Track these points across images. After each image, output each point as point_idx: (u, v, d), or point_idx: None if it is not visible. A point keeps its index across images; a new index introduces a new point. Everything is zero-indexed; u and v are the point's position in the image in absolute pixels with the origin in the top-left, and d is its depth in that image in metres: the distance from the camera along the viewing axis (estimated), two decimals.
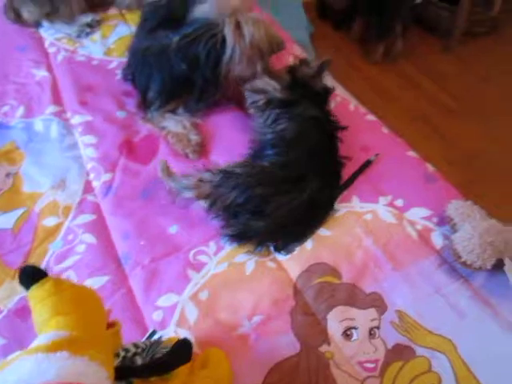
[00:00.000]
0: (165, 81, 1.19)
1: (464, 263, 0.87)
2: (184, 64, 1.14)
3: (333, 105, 1.27)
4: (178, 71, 1.15)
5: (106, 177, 1.11)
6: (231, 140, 1.17)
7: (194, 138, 1.15)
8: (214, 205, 0.95)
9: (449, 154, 2.26)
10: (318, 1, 3.02)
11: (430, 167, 1.13)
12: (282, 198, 0.94)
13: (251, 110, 1.11)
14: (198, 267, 0.94)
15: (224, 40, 1.09)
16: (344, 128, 1.11)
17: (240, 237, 0.95)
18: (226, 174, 0.96)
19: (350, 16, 2.94)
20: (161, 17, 1.33)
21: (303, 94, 1.08)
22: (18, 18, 1.52)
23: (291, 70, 1.15)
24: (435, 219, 1.01)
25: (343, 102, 1.29)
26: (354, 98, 1.36)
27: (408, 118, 2.42)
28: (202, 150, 1.15)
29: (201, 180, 0.96)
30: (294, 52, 1.49)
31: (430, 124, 2.40)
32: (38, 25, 1.54)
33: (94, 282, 0.93)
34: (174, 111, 1.21)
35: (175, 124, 1.17)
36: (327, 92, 1.16)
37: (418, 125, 2.40)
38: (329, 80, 1.39)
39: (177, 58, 1.14)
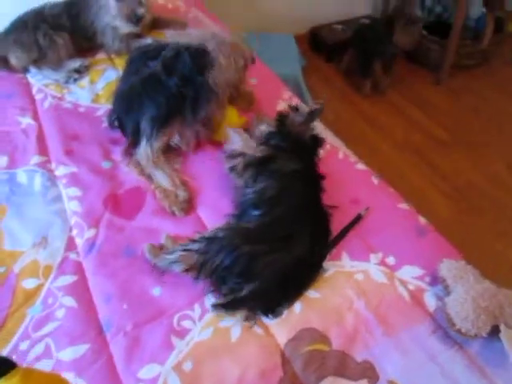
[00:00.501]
0: (158, 104, 1.18)
1: (459, 331, 0.84)
2: (175, 78, 1.15)
3: (321, 153, 1.25)
4: (170, 88, 1.15)
5: (90, 233, 1.08)
6: (217, 197, 1.14)
7: (182, 194, 1.12)
8: (201, 272, 0.92)
9: (441, 184, 2.25)
10: (311, 34, 3.05)
11: (421, 219, 1.11)
12: (269, 257, 0.91)
13: (230, 174, 1.09)
14: (182, 334, 0.90)
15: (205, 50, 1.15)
16: (324, 177, 1.09)
17: (229, 306, 0.91)
18: (210, 239, 0.93)
19: (342, 49, 2.97)
20: (147, 59, 1.32)
21: (283, 147, 1.06)
22: (5, 65, 1.51)
23: (280, 118, 1.13)
24: (427, 278, 0.98)
25: (332, 150, 1.27)
26: (343, 144, 1.34)
27: (400, 149, 2.43)
28: (189, 206, 1.12)
29: (186, 250, 0.94)
30: (285, 96, 1.48)
31: (421, 155, 2.41)
32: (25, 71, 1.52)
33: (73, 352, 0.89)
34: (168, 141, 1.20)
35: (164, 178, 1.15)
36: (317, 142, 1.14)
37: (409, 156, 2.40)
38: (318, 125, 1.38)
39: (166, 75, 1.15)
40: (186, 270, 0.93)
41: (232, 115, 1.27)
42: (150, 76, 1.18)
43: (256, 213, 0.98)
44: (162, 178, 1.15)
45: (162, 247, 1.03)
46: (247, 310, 0.91)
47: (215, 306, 0.92)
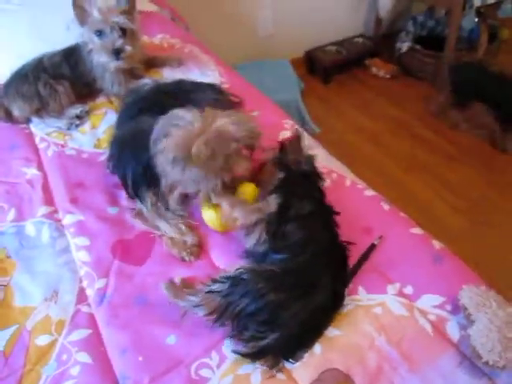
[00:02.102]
0: (137, 168, 1.15)
1: (486, 363, 0.81)
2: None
3: (328, 182, 1.24)
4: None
5: (100, 283, 1.06)
6: (228, 239, 1.12)
7: (190, 240, 1.11)
8: (224, 315, 0.90)
9: (451, 199, 2.23)
10: (307, 57, 3.08)
11: (436, 244, 1.08)
12: (294, 306, 0.88)
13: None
14: None
15: None
16: (338, 213, 1.06)
17: (253, 355, 0.88)
18: (234, 281, 0.91)
19: (338, 70, 3.00)
20: (141, 105, 1.32)
21: (293, 186, 1.04)
22: (8, 117, 1.52)
23: (279, 161, 1.11)
24: (448, 307, 0.95)
25: (339, 179, 1.26)
26: (349, 171, 1.32)
27: (407, 167, 2.41)
28: (199, 250, 1.11)
29: (209, 292, 0.91)
30: (287, 126, 1.47)
31: (429, 171, 2.39)
32: (28, 121, 1.54)
33: None
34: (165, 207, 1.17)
35: (169, 228, 1.14)
36: (317, 175, 1.12)
37: (417, 172, 2.39)
38: (321, 153, 1.38)
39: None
40: (209, 314, 0.91)
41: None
42: (138, 132, 1.16)
43: (278, 257, 0.96)
44: (166, 229, 1.14)
45: (183, 285, 1.01)
46: (271, 358, 0.88)
47: (238, 353, 0.89)
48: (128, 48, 1.46)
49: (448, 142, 2.53)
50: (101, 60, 1.49)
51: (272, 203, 1.00)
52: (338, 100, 2.91)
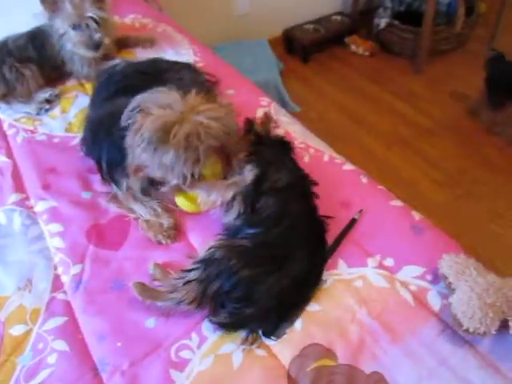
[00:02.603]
0: (112, 151, 1.10)
1: (467, 331, 0.81)
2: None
3: (306, 158, 1.22)
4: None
5: (76, 269, 1.03)
6: (206, 220, 1.08)
7: (167, 222, 1.08)
8: (203, 300, 0.89)
9: (432, 173, 2.23)
10: (285, 36, 3.03)
11: (415, 215, 1.07)
12: (268, 281, 0.87)
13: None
14: (182, 365, 0.86)
15: None
16: (316, 183, 1.05)
17: (228, 326, 0.87)
18: (207, 262, 0.89)
19: (317, 48, 2.96)
20: (116, 86, 1.28)
21: (268, 160, 1.01)
22: None
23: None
24: (429, 276, 0.95)
25: (316, 153, 1.24)
26: (327, 145, 1.30)
27: (388, 143, 2.40)
28: (175, 233, 1.08)
29: (187, 283, 0.89)
30: (263, 103, 1.44)
31: (409, 146, 2.38)
32: None
33: None
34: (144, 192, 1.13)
35: (144, 210, 1.10)
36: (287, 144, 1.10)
37: (397, 148, 2.38)
38: (299, 129, 1.35)
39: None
40: (190, 303, 0.89)
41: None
42: (114, 114, 1.09)
43: (251, 231, 0.94)
44: (141, 211, 1.11)
45: (155, 278, 0.98)
46: (248, 331, 0.87)
47: (215, 324, 0.88)
48: (106, 40, 1.46)
49: (428, 118, 2.53)
50: (78, 52, 1.46)
51: (248, 176, 0.97)
52: (317, 79, 2.87)
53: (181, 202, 1.08)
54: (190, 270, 0.91)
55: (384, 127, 2.50)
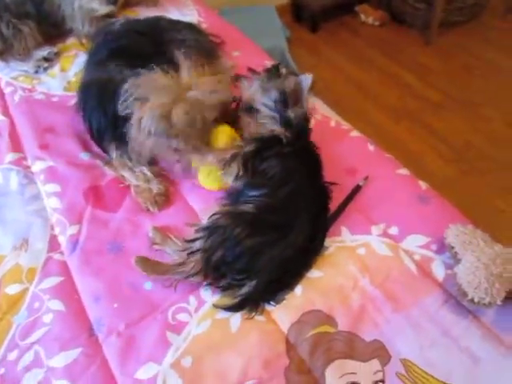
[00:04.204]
0: (101, 121, 1.08)
1: (471, 301, 0.78)
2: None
3: (312, 123, 1.18)
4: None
5: (72, 230, 1.01)
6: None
7: (156, 187, 1.05)
8: (206, 271, 0.87)
9: (439, 147, 2.19)
10: (293, 3, 2.93)
11: (422, 185, 1.04)
12: (271, 251, 0.85)
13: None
14: (179, 328, 0.85)
15: None
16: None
17: (233, 308, 0.86)
18: (211, 230, 0.86)
19: (326, 17, 2.87)
20: (111, 48, 1.22)
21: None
22: None
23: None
24: (434, 246, 0.92)
25: (323, 119, 1.20)
26: (334, 111, 1.26)
27: (394, 115, 2.35)
28: (164, 200, 1.05)
29: (191, 253, 0.87)
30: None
31: (417, 119, 2.33)
32: None
33: (65, 357, 0.83)
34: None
35: (134, 177, 1.08)
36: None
37: (405, 121, 2.33)
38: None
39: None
40: (197, 275, 0.87)
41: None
42: (105, 83, 1.08)
43: (254, 193, 0.90)
44: (131, 178, 1.08)
45: (154, 242, 0.96)
46: (249, 303, 0.85)
47: (220, 307, 0.86)
48: None
49: (437, 91, 2.46)
50: (91, 5, 1.40)
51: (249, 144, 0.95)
52: (325, 48, 2.79)
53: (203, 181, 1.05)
54: (194, 240, 0.89)
55: (392, 99, 2.44)
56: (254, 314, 0.85)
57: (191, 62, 1.05)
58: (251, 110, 1.00)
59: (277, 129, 0.96)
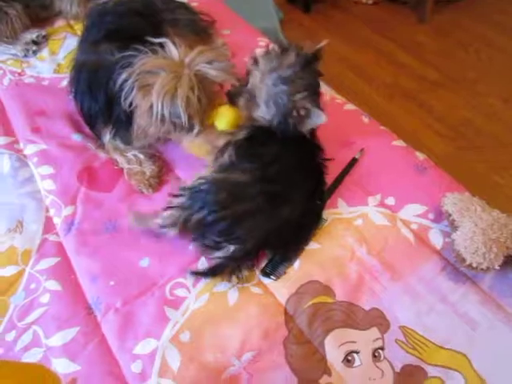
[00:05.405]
0: (93, 105, 1.06)
1: (469, 266, 0.78)
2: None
3: None
4: (112, 91, 0.98)
5: (67, 211, 1.00)
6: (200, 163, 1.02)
7: (149, 169, 1.04)
8: (185, 228, 0.86)
9: (436, 125, 2.18)
10: None
11: (419, 155, 1.03)
12: (254, 220, 0.83)
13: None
14: (177, 303, 0.84)
15: None
16: None
17: (209, 273, 0.85)
18: (193, 192, 0.85)
19: None
20: (107, 28, 1.20)
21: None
22: None
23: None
24: (431, 215, 0.92)
25: None
26: (328, 87, 1.25)
27: (390, 94, 2.33)
28: (158, 181, 1.05)
29: (170, 208, 0.86)
30: (262, 44, 1.37)
31: (413, 98, 2.31)
32: None
33: (63, 336, 0.83)
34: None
35: (126, 160, 1.06)
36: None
37: (400, 100, 2.31)
38: None
39: (117, 75, 0.96)
40: (170, 227, 0.87)
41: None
42: (101, 66, 1.04)
43: (247, 165, 0.89)
44: (123, 162, 1.07)
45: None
46: (230, 271, 0.85)
47: (194, 273, 0.86)
48: None
49: (433, 69, 2.44)
50: None
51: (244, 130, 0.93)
52: (318, 29, 2.76)
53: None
54: (175, 196, 0.89)
55: (387, 78, 2.42)
56: (232, 279, 0.85)
57: (182, 39, 1.03)
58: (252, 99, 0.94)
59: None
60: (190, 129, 0.94)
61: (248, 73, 0.93)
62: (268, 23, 2.47)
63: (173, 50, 0.95)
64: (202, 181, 0.86)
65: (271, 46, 0.94)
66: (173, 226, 0.87)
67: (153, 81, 0.90)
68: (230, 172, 0.88)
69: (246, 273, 0.85)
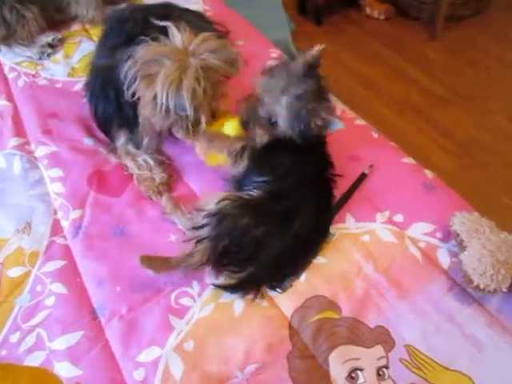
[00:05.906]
0: (107, 108, 1.07)
1: (477, 287, 0.78)
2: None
3: None
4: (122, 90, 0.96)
5: (75, 214, 1.01)
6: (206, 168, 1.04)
7: (159, 176, 1.04)
8: (213, 257, 0.85)
9: (442, 141, 2.18)
10: None
11: (428, 174, 1.03)
12: (274, 239, 0.84)
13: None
14: (181, 312, 0.84)
15: None
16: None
17: (233, 288, 0.85)
18: (219, 217, 0.85)
19: (331, 10, 2.85)
20: (127, 32, 1.21)
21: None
22: None
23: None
24: (439, 234, 0.91)
25: None
26: (339, 101, 1.25)
27: (398, 109, 2.34)
28: (166, 188, 1.05)
29: (199, 241, 0.85)
30: (274, 56, 1.38)
31: (421, 113, 2.32)
32: None
33: (67, 340, 0.83)
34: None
35: (137, 166, 1.07)
36: None
37: (409, 115, 2.32)
38: None
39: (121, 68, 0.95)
40: (205, 264, 0.86)
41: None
42: (110, 68, 1.04)
43: (259, 179, 0.89)
44: (133, 167, 1.07)
45: (165, 212, 0.97)
46: (250, 289, 0.85)
47: (217, 286, 0.86)
48: None
49: (442, 86, 2.45)
50: None
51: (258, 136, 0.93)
52: (330, 42, 2.74)
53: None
54: (201, 227, 0.87)
55: (397, 94, 2.43)
56: (253, 296, 0.84)
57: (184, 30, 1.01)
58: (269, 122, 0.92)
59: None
60: (196, 123, 0.93)
61: (257, 97, 0.91)
62: (280, 34, 2.49)
63: (176, 35, 0.93)
64: (225, 203, 0.85)
65: (271, 63, 0.95)
66: (208, 261, 0.85)
67: (156, 70, 0.88)
68: (247, 188, 0.88)
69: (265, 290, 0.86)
